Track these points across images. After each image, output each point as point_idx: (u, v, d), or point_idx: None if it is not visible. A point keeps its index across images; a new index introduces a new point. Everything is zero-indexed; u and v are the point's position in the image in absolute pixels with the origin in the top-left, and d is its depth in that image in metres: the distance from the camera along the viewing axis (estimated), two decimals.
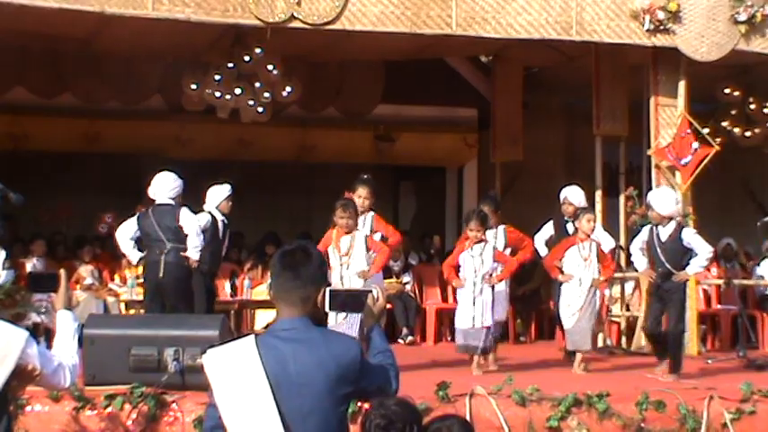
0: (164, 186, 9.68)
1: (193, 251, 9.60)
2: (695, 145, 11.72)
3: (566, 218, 10.84)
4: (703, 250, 9.72)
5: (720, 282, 13.56)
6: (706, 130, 12.19)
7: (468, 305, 9.65)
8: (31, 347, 3.67)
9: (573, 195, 10.94)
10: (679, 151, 11.72)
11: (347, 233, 9.26)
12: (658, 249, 9.74)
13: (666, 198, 9.90)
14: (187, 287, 9.75)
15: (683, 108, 11.84)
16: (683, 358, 9.75)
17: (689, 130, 11.78)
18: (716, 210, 14.43)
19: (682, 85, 11.89)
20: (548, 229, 11.10)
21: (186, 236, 9.57)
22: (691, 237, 9.77)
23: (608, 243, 10.81)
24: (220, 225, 10.34)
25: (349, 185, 10.05)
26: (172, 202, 9.66)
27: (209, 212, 10.28)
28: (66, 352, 3.96)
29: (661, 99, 11.96)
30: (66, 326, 4.07)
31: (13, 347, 3.58)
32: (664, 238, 9.74)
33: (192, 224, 9.61)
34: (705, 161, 11.70)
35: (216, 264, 10.58)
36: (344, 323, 8.15)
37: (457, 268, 9.88)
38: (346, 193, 9.71)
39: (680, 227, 9.83)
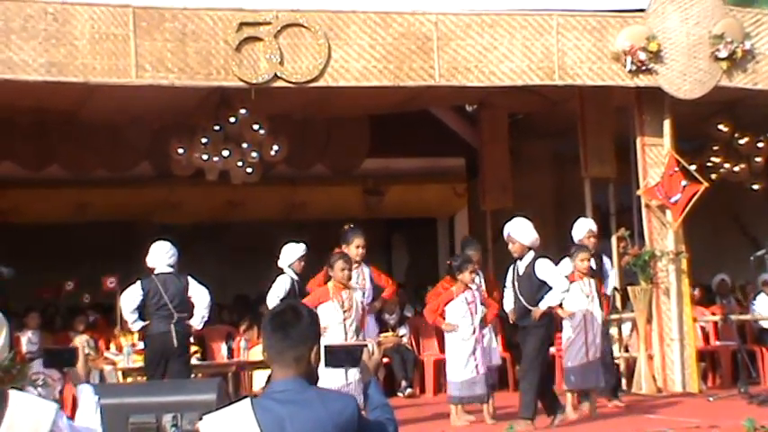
0: (162, 255, 9.80)
1: (200, 322, 9.75)
2: (684, 183, 11.76)
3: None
4: (558, 283, 9.20)
5: (717, 318, 13.53)
6: (693, 167, 12.24)
7: (466, 355, 9.57)
8: (61, 419, 3.65)
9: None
10: (668, 190, 11.75)
11: (345, 287, 9.08)
12: (516, 284, 9.33)
13: (526, 227, 9.44)
14: (190, 356, 9.95)
15: (669, 147, 11.89)
16: (534, 402, 9.13)
17: (677, 168, 11.82)
18: (709, 246, 14.44)
19: (667, 124, 11.95)
20: (566, 267, 10.34)
21: (192, 306, 9.70)
22: (544, 269, 9.26)
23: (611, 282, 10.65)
24: (295, 285, 10.31)
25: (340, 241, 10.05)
26: (172, 270, 9.76)
27: (284, 271, 10.29)
28: (90, 424, 3.96)
29: (647, 139, 12.01)
30: (87, 399, 4.08)
31: (45, 421, 3.57)
32: (521, 271, 9.33)
33: (203, 297, 9.72)
34: (695, 198, 11.73)
35: None
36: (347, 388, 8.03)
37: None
38: (338, 248, 9.68)
39: (535, 259, 9.35)
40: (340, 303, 8.89)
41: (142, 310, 9.75)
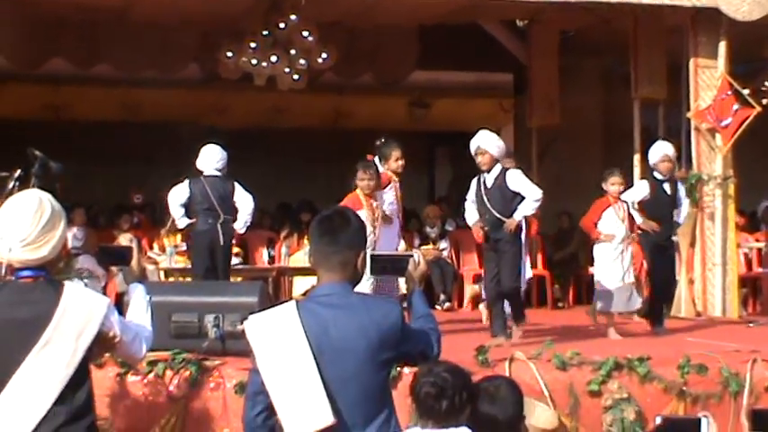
0: (211, 159, 10.04)
1: (243, 226, 10.04)
2: (736, 106, 11.57)
3: (662, 177, 10.31)
4: (531, 193, 9.05)
5: (761, 245, 13.44)
6: (746, 91, 12.03)
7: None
8: (113, 314, 3.71)
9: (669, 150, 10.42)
10: (719, 113, 11.57)
11: (370, 196, 8.94)
12: (485, 197, 9.16)
13: (494, 138, 9.23)
14: (231, 255, 10.44)
15: (723, 69, 11.68)
16: (523, 308, 9.39)
17: (729, 92, 11.62)
18: (757, 172, 14.25)
19: (722, 46, 11.72)
20: (641, 190, 10.34)
21: (236, 210, 9.94)
22: (517, 179, 9.10)
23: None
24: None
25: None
26: (219, 173, 10.01)
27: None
28: (141, 323, 4.01)
29: (701, 60, 11.79)
30: (139, 298, 4.13)
31: (96, 313, 3.63)
32: (489, 184, 9.16)
33: (248, 203, 9.99)
34: (746, 123, 11.55)
35: None
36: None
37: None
38: (369, 156, 9.44)
39: (504, 170, 9.16)
40: (370, 212, 8.81)
41: (188, 209, 10.01)
